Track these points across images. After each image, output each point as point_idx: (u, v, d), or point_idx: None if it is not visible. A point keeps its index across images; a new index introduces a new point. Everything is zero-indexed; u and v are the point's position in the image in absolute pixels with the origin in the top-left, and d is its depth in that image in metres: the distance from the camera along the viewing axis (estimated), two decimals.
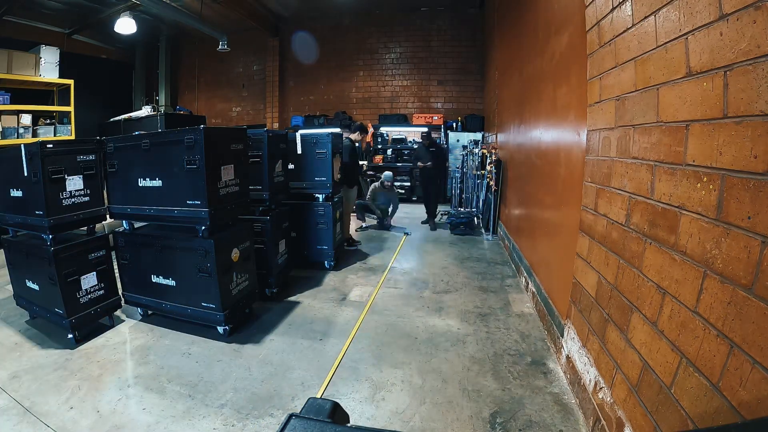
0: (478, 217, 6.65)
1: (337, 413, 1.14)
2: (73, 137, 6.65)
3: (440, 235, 6.12)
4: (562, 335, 2.55)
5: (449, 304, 3.56)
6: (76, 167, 2.85)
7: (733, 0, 1.10)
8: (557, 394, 2.28)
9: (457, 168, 8.57)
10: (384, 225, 6.58)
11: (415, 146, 9.41)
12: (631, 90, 1.72)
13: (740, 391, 1.04)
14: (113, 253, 3.17)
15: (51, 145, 2.71)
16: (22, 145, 2.71)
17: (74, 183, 2.84)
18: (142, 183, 2.92)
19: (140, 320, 3.25)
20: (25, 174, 2.73)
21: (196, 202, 2.74)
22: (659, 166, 1.49)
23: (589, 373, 2.05)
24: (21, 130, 6.16)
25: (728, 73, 1.12)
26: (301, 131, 4.69)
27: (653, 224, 1.52)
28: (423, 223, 6.86)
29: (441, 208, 8.31)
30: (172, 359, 2.68)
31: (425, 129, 7.60)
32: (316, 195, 4.45)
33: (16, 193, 2.88)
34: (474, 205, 6.95)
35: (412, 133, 9.62)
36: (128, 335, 3.03)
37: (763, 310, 0.99)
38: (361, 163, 8.24)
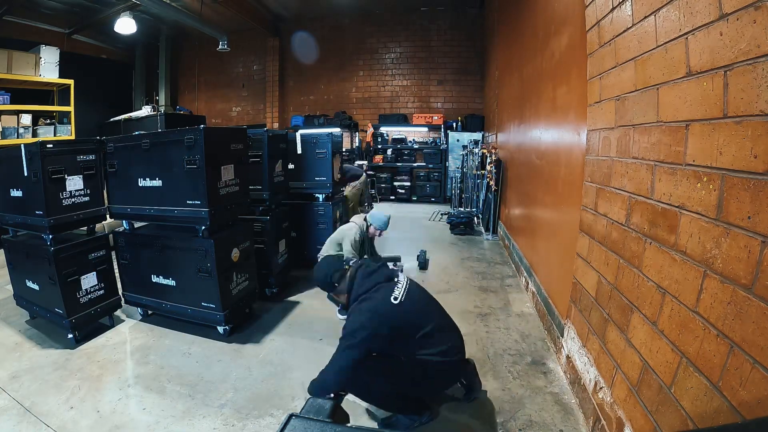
0: (478, 217, 6.65)
1: (337, 413, 1.14)
2: (73, 137, 6.64)
3: (440, 235, 6.12)
4: (562, 335, 2.55)
5: (449, 304, 3.53)
6: (76, 167, 2.85)
7: (733, 0, 1.10)
8: (557, 393, 2.28)
9: (458, 168, 8.57)
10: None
11: (416, 146, 9.43)
12: (631, 90, 1.72)
13: (740, 391, 1.04)
14: (113, 253, 3.17)
15: (51, 145, 2.71)
16: (22, 145, 2.71)
17: (74, 183, 2.84)
18: (142, 183, 2.92)
19: (140, 320, 3.25)
20: (25, 174, 2.73)
21: (196, 202, 2.74)
22: (659, 166, 1.49)
23: (589, 373, 2.05)
24: (21, 130, 6.16)
25: (728, 72, 1.12)
26: (301, 131, 4.69)
27: (653, 224, 1.52)
28: None
29: (441, 208, 8.32)
30: (172, 359, 2.68)
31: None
32: (316, 195, 4.45)
33: (16, 193, 2.88)
34: (474, 205, 6.95)
35: (412, 133, 9.63)
36: (128, 335, 3.03)
37: (763, 309, 0.99)
38: (361, 162, 8.25)
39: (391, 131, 9.67)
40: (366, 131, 9.54)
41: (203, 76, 11.24)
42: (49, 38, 7.83)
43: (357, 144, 9.52)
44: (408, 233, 6.22)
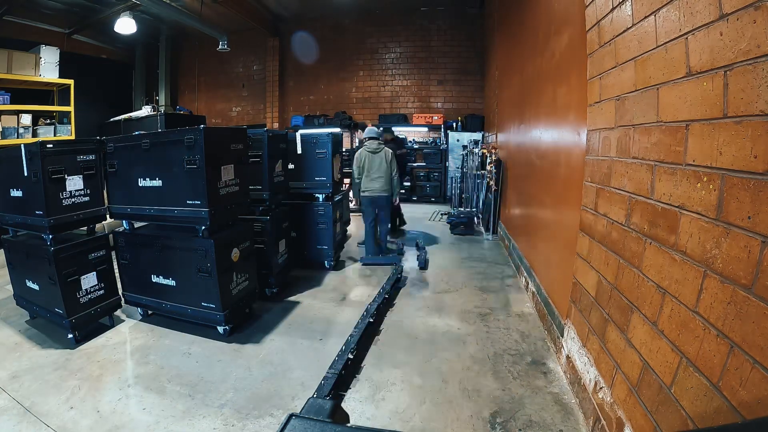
0: (478, 217, 6.65)
1: (337, 413, 1.15)
2: (73, 137, 6.64)
3: (440, 235, 6.12)
4: (562, 335, 2.55)
5: (449, 304, 3.56)
6: (76, 167, 2.85)
7: (733, 0, 1.10)
8: (557, 393, 2.28)
9: (458, 168, 8.57)
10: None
11: (416, 146, 9.40)
12: (631, 90, 1.72)
13: (740, 391, 1.04)
14: (113, 253, 3.17)
15: (51, 145, 2.71)
16: (22, 145, 2.71)
17: (74, 183, 2.84)
18: (142, 183, 2.92)
19: (140, 320, 3.25)
20: (25, 174, 2.73)
21: (196, 202, 2.74)
22: (659, 166, 1.49)
23: (589, 373, 2.05)
24: (21, 130, 6.16)
25: (728, 72, 1.12)
26: (301, 131, 4.69)
27: (653, 224, 1.52)
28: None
29: (441, 208, 8.32)
30: (172, 359, 2.68)
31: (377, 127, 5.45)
32: (316, 195, 4.46)
33: (16, 193, 2.88)
34: (474, 205, 6.95)
35: (413, 133, 9.63)
36: (128, 335, 3.03)
37: (763, 309, 0.99)
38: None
39: None
40: None
41: (203, 76, 11.24)
42: (49, 38, 7.83)
43: (357, 144, 9.51)
44: (408, 233, 6.22)
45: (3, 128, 5.96)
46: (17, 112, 6.18)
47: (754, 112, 1.03)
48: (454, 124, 9.24)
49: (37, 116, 6.54)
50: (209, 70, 11.08)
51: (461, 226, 6.23)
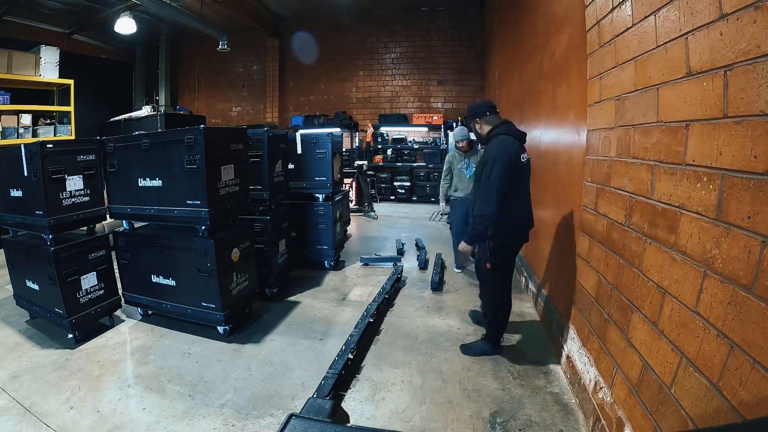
0: None
1: (337, 413, 1.15)
2: (73, 137, 6.64)
3: (440, 235, 6.12)
4: (562, 335, 2.55)
5: (449, 304, 3.56)
6: (76, 167, 2.85)
7: (733, 0, 1.10)
8: (557, 393, 2.28)
9: None
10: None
11: (416, 146, 9.38)
12: (631, 90, 1.72)
13: (740, 391, 1.04)
14: (113, 253, 3.17)
15: (51, 145, 2.71)
16: (22, 145, 2.71)
17: (74, 183, 2.84)
18: (142, 183, 2.92)
19: (140, 320, 3.25)
20: (25, 174, 2.73)
21: (196, 202, 2.74)
22: (659, 166, 1.49)
23: (589, 373, 2.05)
24: (21, 130, 6.16)
25: (728, 72, 1.12)
26: (301, 131, 4.69)
27: (653, 224, 1.52)
28: None
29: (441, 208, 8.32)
30: (172, 359, 2.68)
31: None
32: (316, 195, 4.46)
33: (16, 193, 2.88)
34: None
35: (412, 133, 9.63)
36: (128, 335, 3.03)
37: (763, 309, 0.99)
38: (360, 163, 8.26)
39: (391, 131, 9.67)
40: (366, 131, 9.54)
41: (203, 76, 11.25)
42: (49, 38, 7.83)
43: (357, 144, 9.52)
44: (408, 233, 6.22)
45: (3, 128, 5.96)
46: (17, 112, 6.18)
47: (754, 112, 1.04)
48: (454, 124, 9.24)
49: (37, 116, 6.54)
50: (209, 70, 11.09)
51: None
